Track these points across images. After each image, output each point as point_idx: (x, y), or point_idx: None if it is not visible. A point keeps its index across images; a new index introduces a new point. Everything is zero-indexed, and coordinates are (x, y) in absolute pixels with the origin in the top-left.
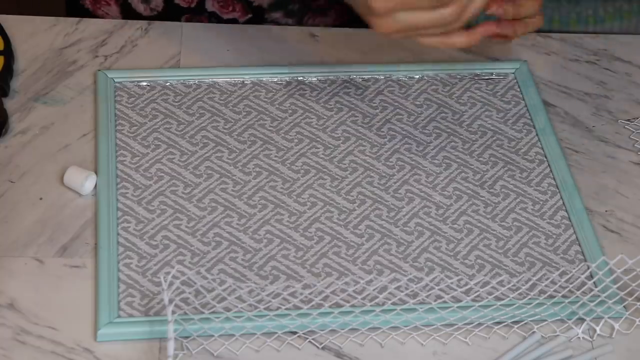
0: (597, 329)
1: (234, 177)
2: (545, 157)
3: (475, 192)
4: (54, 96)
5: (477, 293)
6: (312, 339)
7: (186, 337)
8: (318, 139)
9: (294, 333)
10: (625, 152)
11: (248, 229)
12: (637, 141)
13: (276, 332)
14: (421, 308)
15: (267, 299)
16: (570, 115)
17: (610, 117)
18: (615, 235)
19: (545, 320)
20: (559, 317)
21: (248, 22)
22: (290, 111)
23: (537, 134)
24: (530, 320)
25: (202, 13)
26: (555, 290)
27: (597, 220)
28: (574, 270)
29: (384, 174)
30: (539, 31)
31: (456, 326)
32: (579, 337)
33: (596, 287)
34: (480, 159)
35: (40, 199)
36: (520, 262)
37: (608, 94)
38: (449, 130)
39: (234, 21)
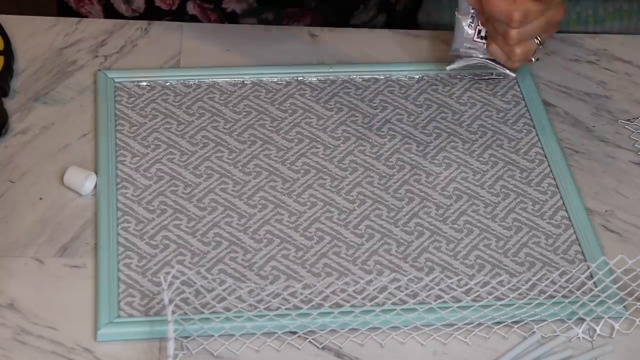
0: (597, 329)
1: (234, 177)
2: (545, 157)
3: (475, 192)
4: (54, 96)
5: (477, 293)
6: (312, 339)
7: (186, 337)
8: (318, 139)
9: (294, 333)
10: (625, 152)
11: (248, 229)
12: (637, 141)
13: (276, 332)
14: (421, 308)
15: (267, 299)
16: (570, 115)
17: (610, 117)
18: (615, 235)
19: (545, 320)
20: (559, 317)
21: None
22: (290, 111)
23: (537, 134)
24: (530, 320)
25: (183, 16)
26: (555, 290)
27: (597, 220)
28: (574, 270)
29: (384, 174)
30: None
31: (456, 326)
32: (579, 337)
33: (596, 287)
34: (480, 159)
35: (40, 199)
36: (520, 262)
37: (608, 94)
38: (449, 130)
39: None
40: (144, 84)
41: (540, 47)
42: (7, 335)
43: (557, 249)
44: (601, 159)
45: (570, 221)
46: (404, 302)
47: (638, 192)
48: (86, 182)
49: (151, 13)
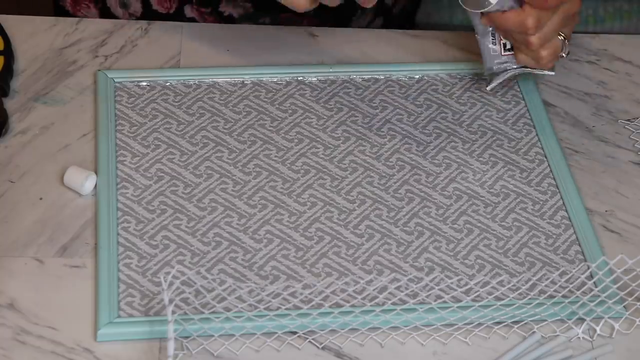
0: (597, 329)
1: (234, 177)
2: (545, 157)
3: (475, 192)
4: (54, 96)
5: (477, 293)
6: (312, 339)
7: (186, 337)
8: (318, 139)
9: (294, 333)
10: (625, 152)
11: (248, 229)
12: (637, 141)
13: (276, 332)
14: (421, 308)
15: (267, 299)
16: (570, 115)
17: (610, 117)
18: (615, 235)
19: (545, 320)
20: (559, 317)
21: None
22: (290, 111)
23: (537, 134)
24: (530, 320)
25: (180, 20)
26: (555, 290)
27: (597, 220)
28: (574, 270)
29: (384, 174)
30: None
31: (456, 326)
32: (579, 337)
33: (596, 287)
34: (480, 159)
35: (40, 199)
36: (520, 262)
37: (608, 94)
38: (449, 130)
39: None
40: (144, 84)
41: (567, 41)
42: (7, 335)
43: (557, 249)
44: (601, 159)
45: (570, 221)
46: (404, 302)
47: (638, 192)
48: (86, 182)
49: (148, 17)
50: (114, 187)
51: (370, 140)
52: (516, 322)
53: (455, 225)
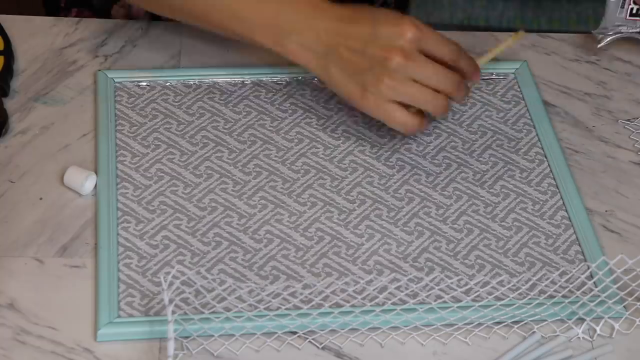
0: (597, 329)
1: (234, 177)
2: (545, 157)
3: (475, 192)
4: (54, 96)
5: (477, 293)
6: (312, 339)
7: (186, 337)
8: (318, 139)
9: (294, 333)
10: (625, 152)
11: (248, 229)
12: (637, 141)
13: (276, 332)
14: (421, 308)
15: (267, 299)
16: (570, 115)
17: (610, 117)
18: (615, 235)
19: (545, 320)
20: (559, 317)
21: None
22: (290, 111)
23: (537, 134)
24: (530, 320)
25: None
26: (555, 290)
27: (597, 220)
28: (574, 270)
29: (384, 174)
30: (539, 31)
31: (456, 326)
32: (579, 337)
33: (596, 287)
34: (480, 159)
35: (40, 199)
36: (520, 262)
37: (608, 94)
38: (449, 130)
39: None
40: (144, 84)
41: None
42: (7, 335)
43: (557, 249)
44: (601, 159)
45: (570, 221)
46: (404, 302)
47: (638, 192)
48: (86, 182)
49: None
50: (114, 187)
51: (370, 140)
52: (516, 322)
53: (455, 225)
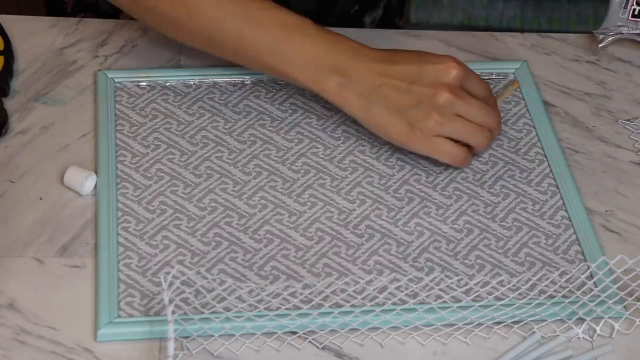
0: (597, 329)
1: (234, 177)
2: (545, 157)
3: (475, 192)
4: (54, 96)
5: (477, 293)
6: (312, 339)
7: (186, 337)
8: (318, 139)
9: (294, 333)
10: (625, 152)
11: (248, 229)
12: (637, 141)
13: (276, 332)
14: (421, 308)
15: (267, 299)
16: (570, 115)
17: (610, 117)
18: (615, 235)
19: (545, 320)
20: (559, 317)
21: None
22: (290, 111)
23: (537, 134)
24: (530, 320)
25: None
26: (555, 290)
27: (597, 220)
28: (574, 270)
29: (384, 174)
30: (539, 31)
31: (456, 326)
32: (579, 337)
33: (596, 287)
34: (480, 159)
35: (40, 199)
36: (520, 262)
37: (608, 94)
38: None
39: None
40: (144, 84)
41: None
42: (7, 335)
43: (557, 249)
44: (601, 159)
45: (570, 221)
46: (404, 302)
47: (638, 192)
48: (86, 182)
49: None
50: (114, 187)
51: (370, 140)
52: (516, 322)
53: (455, 225)
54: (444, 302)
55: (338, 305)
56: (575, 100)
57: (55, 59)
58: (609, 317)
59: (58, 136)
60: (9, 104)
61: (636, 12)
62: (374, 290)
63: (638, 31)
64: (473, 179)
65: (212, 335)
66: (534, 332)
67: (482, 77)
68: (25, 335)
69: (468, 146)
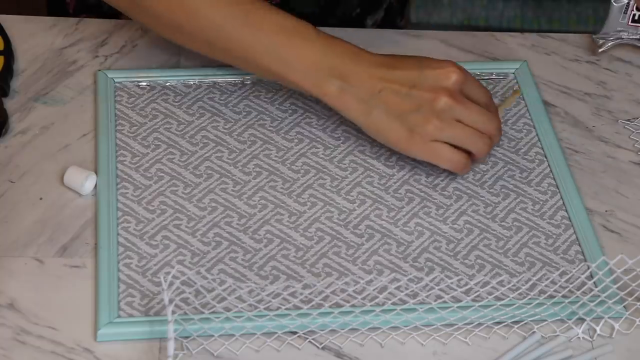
0: (597, 329)
1: (234, 177)
2: (545, 157)
3: (475, 192)
4: (54, 96)
5: (477, 293)
6: (312, 339)
7: (186, 337)
8: (318, 139)
9: (294, 333)
10: (625, 152)
11: (248, 229)
12: (637, 141)
13: (276, 332)
14: (421, 308)
15: (267, 299)
16: (570, 115)
17: (610, 117)
18: (615, 235)
19: (545, 320)
20: (559, 317)
21: None
22: (290, 111)
23: (537, 134)
24: (530, 320)
25: None
26: (555, 290)
27: (597, 220)
28: (574, 270)
29: (384, 174)
30: (539, 31)
31: (456, 326)
32: (579, 337)
33: (596, 287)
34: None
35: (40, 199)
36: (520, 262)
37: (608, 94)
38: None
39: None
40: (144, 84)
41: None
42: (7, 335)
43: (557, 249)
44: (601, 159)
45: (570, 221)
46: (404, 302)
47: (638, 192)
48: (86, 182)
49: None
50: (114, 187)
51: (370, 140)
52: (516, 322)
53: (455, 225)
54: (444, 302)
55: (338, 305)
56: (575, 100)
57: (55, 59)
58: (609, 317)
59: (58, 136)
60: (9, 104)
61: (636, 17)
62: (374, 290)
63: (638, 36)
64: (473, 179)
65: (212, 335)
66: (534, 332)
67: (482, 78)
68: (25, 335)
69: (469, 152)
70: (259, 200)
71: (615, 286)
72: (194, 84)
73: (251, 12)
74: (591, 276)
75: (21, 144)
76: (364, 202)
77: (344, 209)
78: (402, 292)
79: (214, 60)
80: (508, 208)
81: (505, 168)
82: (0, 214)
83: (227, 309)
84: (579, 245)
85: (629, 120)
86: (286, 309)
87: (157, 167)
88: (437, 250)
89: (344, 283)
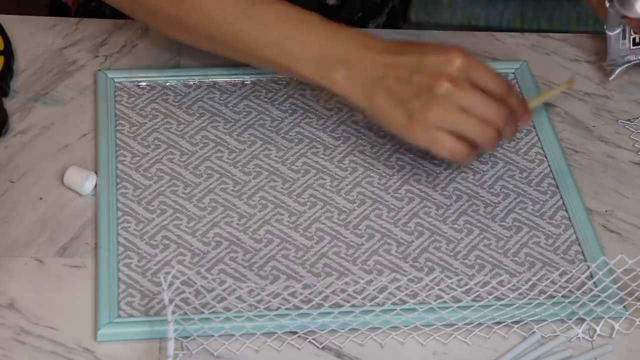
0: (597, 329)
1: (234, 177)
2: (545, 157)
3: (475, 192)
4: (54, 96)
5: (477, 293)
6: (312, 339)
7: (186, 337)
8: (318, 139)
9: (294, 333)
10: (625, 152)
11: (248, 229)
12: (637, 141)
13: (276, 332)
14: (421, 308)
15: (267, 299)
16: (570, 115)
17: (610, 117)
18: (615, 235)
19: (545, 320)
20: (559, 317)
21: None
22: (290, 111)
23: (537, 134)
24: (530, 320)
25: None
26: (555, 290)
27: (597, 220)
28: (574, 270)
29: (384, 174)
30: (539, 31)
31: (456, 326)
32: (579, 337)
33: (596, 287)
34: (480, 159)
35: (40, 199)
36: (520, 262)
37: (608, 94)
38: None
39: None
40: (144, 84)
41: None
42: (7, 335)
43: (557, 249)
44: (601, 159)
45: (570, 221)
46: (404, 302)
47: (638, 192)
48: (86, 182)
49: None
50: (114, 187)
51: (370, 140)
52: (516, 322)
53: (455, 225)
54: (444, 302)
55: (338, 305)
56: (575, 100)
57: (55, 59)
58: (609, 317)
59: (58, 136)
60: (9, 104)
61: (637, 40)
62: (374, 290)
63: None
64: (473, 179)
65: (212, 335)
66: (534, 332)
67: None
68: (25, 335)
69: (474, 143)
70: (259, 200)
71: (615, 286)
72: (194, 84)
73: (253, 4)
74: (591, 276)
75: (21, 144)
76: (364, 202)
77: (344, 209)
78: (402, 292)
79: (215, 58)
80: (508, 208)
81: (505, 168)
82: (0, 214)
83: (227, 309)
84: (579, 245)
85: (629, 120)
86: (286, 309)
87: (157, 167)
88: (437, 250)
89: (344, 283)
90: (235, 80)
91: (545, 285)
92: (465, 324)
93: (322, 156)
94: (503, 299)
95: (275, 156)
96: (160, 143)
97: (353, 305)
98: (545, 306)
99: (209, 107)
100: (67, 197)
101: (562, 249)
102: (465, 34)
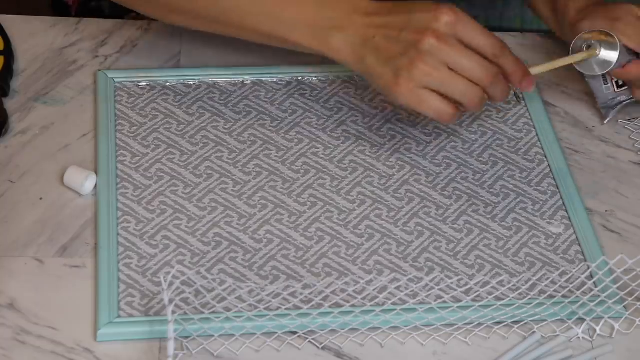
0: (597, 329)
1: (234, 177)
2: (545, 157)
3: (475, 192)
4: (54, 96)
5: (477, 293)
6: (312, 339)
7: (186, 337)
8: (318, 139)
9: (294, 333)
10: (625, 152)
11: (248, 229)
12: (637, 141)
13: (276, 332)
14: (421, 308)
15: (267, 299)
16: (570, 115)
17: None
18: (615, 235)
19: (545, 320)
20: (559, 317)
21: None
22: (290, 111)
23: (537, 134)
24: (530, 320)
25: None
26: (555, 290)
27: (597, 220)
28: (574, 270)
29: (384, 174)
30: (539, 31)
31: (456, 326)
32: (579, 337)
33: (596, 287)
34: (480, 159)
35: (40, 199)
36: (520, 262)
37: None
38: (448, 130)
39: None
40: (144, 84)
41: None
42: (7, 335)
43: (557, 249)
44: (601, 159)
45: (570, 221)
46: (404, 302)
47: (638, 192)
48: (86, 182)
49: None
50: (114, 187)
51: (370, 140)
52: (516, 322)
53: (455, 225)
54: (444, 302)
55: (338, 305)
56: (575, 100)
57: (55, 59)
58: (609, 317)
59: (58, 136)
60: (9, 104)
61: (620, 83)
62: (374, 290)
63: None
64: (473, 179)
65: (212, 335)
66: (534, 332)
67: None
68: (25, 335)
69: (459, 104)
70: (259, 200)
71: (615, 286)
72: (194, 84)
73: None
74: (591, 276)
75: (21, 144)
76: (363, 202)
77: (344, 209)
78: (402, 292)
79: (215, 58)
80: (508, 208)
81: (505, 168)
82: (0, 214)
83: (227, 309)
84: (579, 245)
85: (629, 120)
86: (286, 309)
87: (157, 167)
88: (437, 250)
89: (344, 283)
90: (235, 80)
91: (545, 285)
92: (465, 324)
93: (322, 156)
94: (503, 299)
95: (275, 156)
96: (160, 143)
97: (353, 305)
98: (545, 306)
99: (209, 107)
100: (67, 197)
101: (562, 249)
102: None
